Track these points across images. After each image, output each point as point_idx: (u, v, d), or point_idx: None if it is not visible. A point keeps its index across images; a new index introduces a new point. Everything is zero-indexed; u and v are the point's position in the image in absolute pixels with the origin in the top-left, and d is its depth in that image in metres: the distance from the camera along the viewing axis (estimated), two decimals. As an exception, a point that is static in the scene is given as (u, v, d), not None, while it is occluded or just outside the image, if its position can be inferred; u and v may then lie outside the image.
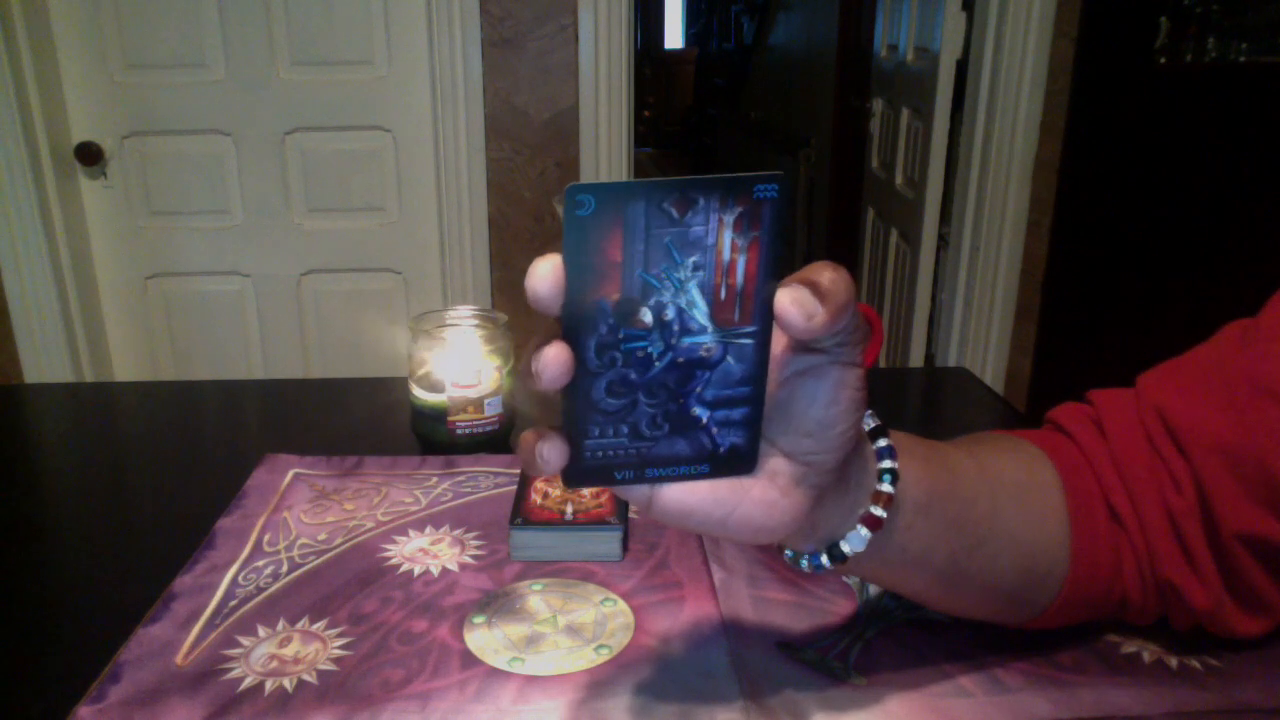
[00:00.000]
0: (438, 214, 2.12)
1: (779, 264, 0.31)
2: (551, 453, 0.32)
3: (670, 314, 0.31)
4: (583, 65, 2.02)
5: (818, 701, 0.46)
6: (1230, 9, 1.55)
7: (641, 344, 0.32)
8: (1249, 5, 1.53)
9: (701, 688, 0.47)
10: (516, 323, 0.79)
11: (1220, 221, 1.56)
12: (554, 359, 0.30)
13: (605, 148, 2.07)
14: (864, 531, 0.38)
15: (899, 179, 2.53)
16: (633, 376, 0.32)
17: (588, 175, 2.09)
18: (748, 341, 0.32)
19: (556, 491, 0.64)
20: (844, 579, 0.57)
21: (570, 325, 0.30)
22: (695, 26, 8.72)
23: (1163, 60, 1.69)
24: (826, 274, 0.31)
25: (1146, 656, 0.50)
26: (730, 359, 0.33)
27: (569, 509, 0.62)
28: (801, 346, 0.34)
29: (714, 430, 0.34)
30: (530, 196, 2.11)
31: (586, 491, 0.64)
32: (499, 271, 2.16)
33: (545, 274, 0.29)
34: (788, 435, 0.35)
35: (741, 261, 0.31)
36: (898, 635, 0.52)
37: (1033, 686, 0.47)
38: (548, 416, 0.33)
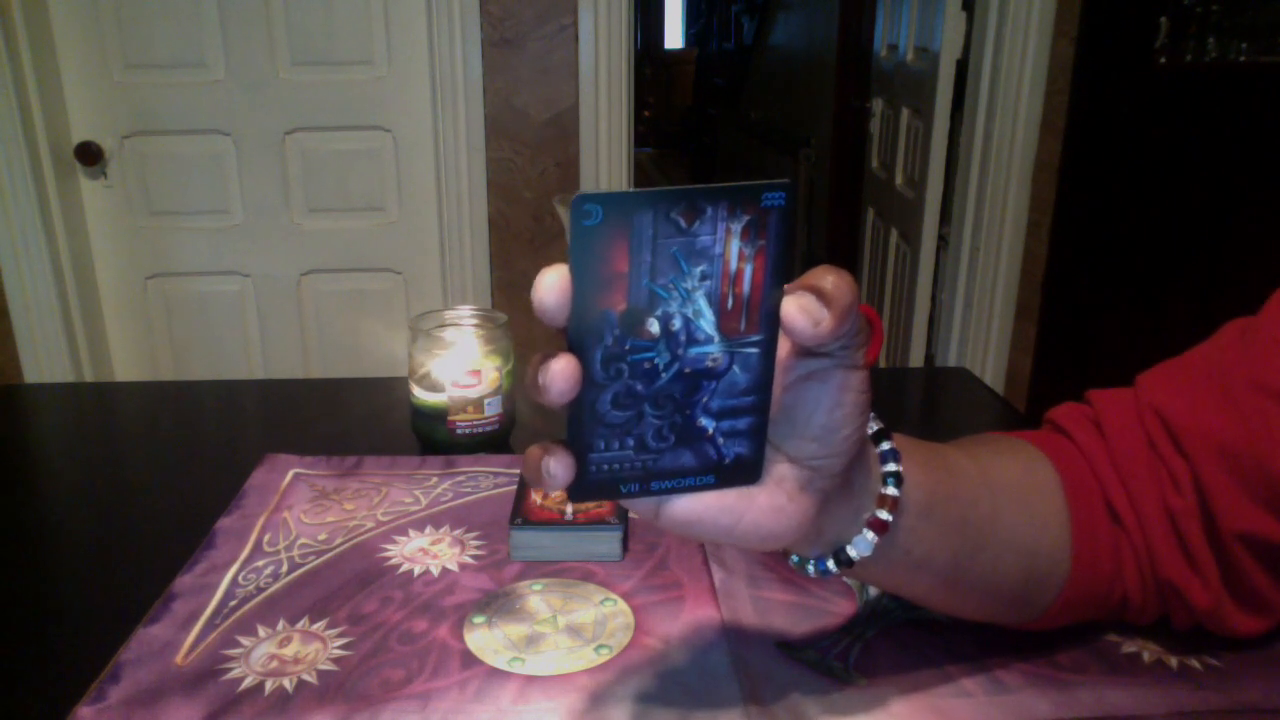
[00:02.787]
0: (438, 214, 2.12)
1: (785, 272, 0.31)
2: (559, 468, 0.32)
3: (677, 324, 0.31)
4: (583, 65, 2.02)
5: (818, 702, 0.46)
6: (1230, 9, 1.55)
7: (648, 355, 0.31)
8: (1249, 5, 1.53)
9: (701, 688, 0.47)
10: (516, 323, 0.79)
11: (1220, 221, 1.56)
12: (561, 372, 0.30)
13: (605, 148, 2.08)
14: (870, 535, 0.38)
15: (899, 179, 2.53)
16: (639, 388, 0.32)
17: (588, 175, 2.09)
18: (753, 351, 0.32)
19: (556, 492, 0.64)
20: (844, 580, 0.57)
21: (576, 337, 0.30)
22: (695, 26, 8.73)
23: (1163, 60, 1.69)
24: (829, 278, 0.31)
25: (1146, 656, 0.50)
26: (736, 369, 0.32)
27: (569, 509, 0.62)
28: (805, 351, 0.34)
29: (720, 441, 0.34)
30: (530, 196, 2.11)
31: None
32: (499, 271, 2.16)
33: (552, 285, 0.29)
34: (793, 440, 0.35)
35: (748, 270, 0.31)
36: (898, 635, 0.52)
37: (1033, 686, 0.47)
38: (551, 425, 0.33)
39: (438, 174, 2.08)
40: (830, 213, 3.68)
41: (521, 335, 0.78)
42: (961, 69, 2.14)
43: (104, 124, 2.04)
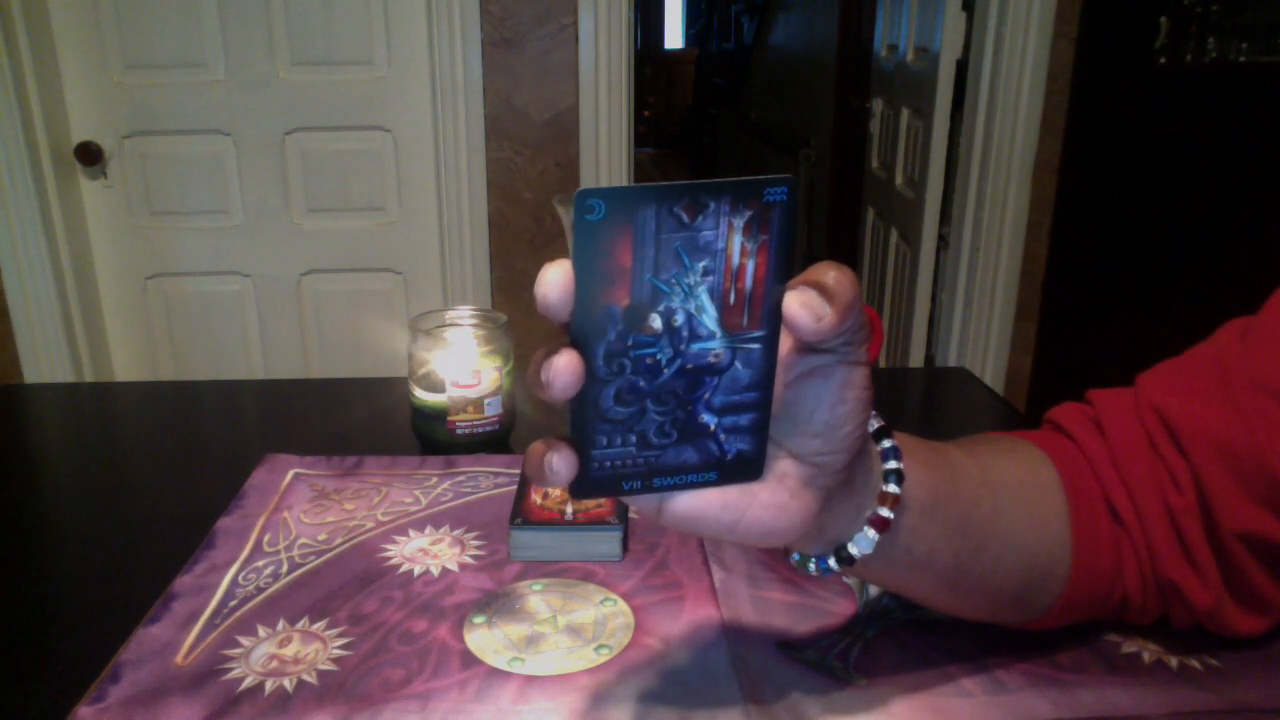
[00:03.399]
0: (438, 214, 2.12)
1: (787, 268, 0.31)
2: (561, 464, 0.32)
3: (680, 320, 0.31)
4: (583, 65, 2.02)
5: (818, 702, 0.46)
6: (1230, 9, 1.55)
7: (651, 351, 0.31)
8: (1249, 5, 1.53)
9: (701, 688, 0.47)
10: (516, 323, 0.79)
11: (1220, 221, 1.56)
12: (565, 368, 0.30)
13: (605, 148, 2.08)
14: (871, 533, 0.38)
15: (899, 179, 2.53)
16: (641, 384, 0.32)
17: (588, 175, 2.09)
18: (756, 346, 0.32)
19: (557, 491, 0.64)
20: (844, 579, 0.57)
21: (579, 332, 0.30)
22: (695, 26, 8.73)
23: (1163, 60, 1.69)
24: (831, 274, 0.31)
25: (1146, 656, 0.50)
26: (738, 364, 0.32)
27: (569, 509, 0.62)
28: (807, 348, 0.34)
29: (722, 437, 0.34)
30: (530, 196, 2.11)
31: (586, 491, 0.63)
32: (499, 271, 2.16)
33: (555, 280, 0.29)
34: (796, 437, 0.35)
35: (751, 266, 0.31)
36: (898, 635, 0.52)
37: (1033, 686, 0.47)
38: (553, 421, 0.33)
39: (438, 174, 2.08)
40: (830, 213, 3.68)
41: (521, 335, 0.78)
42: (961, 69, 2.14)
43: (104, 124, 2.04)
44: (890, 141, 2.61)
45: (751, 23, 6.06)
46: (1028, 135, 2.01)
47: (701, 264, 0.30)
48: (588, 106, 2.05)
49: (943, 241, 2.30)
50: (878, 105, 2.79)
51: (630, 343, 0.31)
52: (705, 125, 6.73)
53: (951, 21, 2.11)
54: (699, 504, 0.35)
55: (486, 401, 0.76)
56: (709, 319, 0.31)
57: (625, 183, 2.08)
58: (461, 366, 0.75)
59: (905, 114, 2.46)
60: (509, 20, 1.99)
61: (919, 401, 1.01)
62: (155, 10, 1.97)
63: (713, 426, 0.33)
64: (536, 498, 0.63)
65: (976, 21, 2.05)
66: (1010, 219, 2.07)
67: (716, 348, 0.32)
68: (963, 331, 2.19)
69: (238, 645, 0.51)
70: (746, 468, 0.34)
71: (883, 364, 2.50)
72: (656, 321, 0.31)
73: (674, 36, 9.15)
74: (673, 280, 0.30)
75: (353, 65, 2.03)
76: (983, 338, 2.17)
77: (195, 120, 2.05)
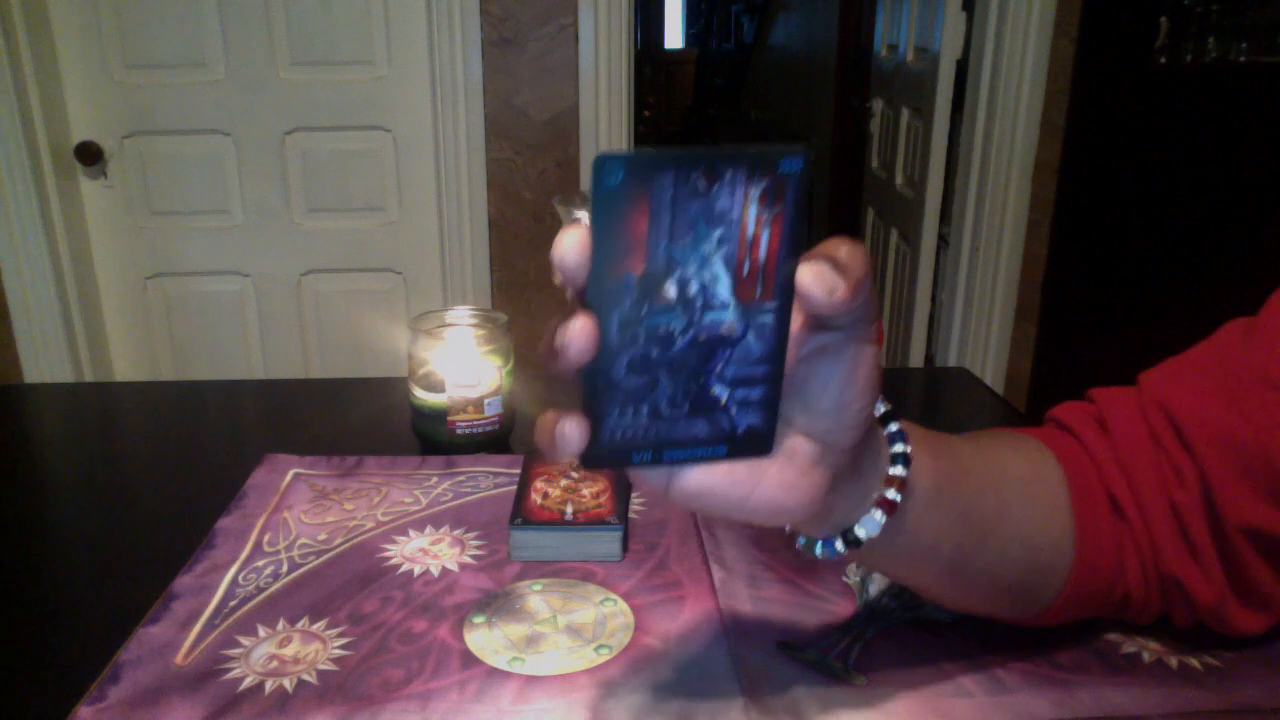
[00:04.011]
0: (438, 214, 2.12)
1: (801, 240, 0.31)
2: (573, 431, 0.31)
3: (694, 289, 0.31)
4: (583, 65, 2.02)
5: (818, 701, 0.46)
6: (1230, 9, 1.55)
7: (664, 320, 0.31)
8: (1249, 5, 1.53)
9: (701, 688, 0.47)
10: (516, 323, 0.79)
11: (1220, 221, 1.56)
12: (580, 331, 0.29)
13: (605, 148, 2.07)
14: (878, 515, 0.38)
15: (899, 179, 2.53)
16: (654, 353, 0.31)
17: (587, 175, 2.09)
18: (768, 318, 0.32)
19: (556, 491, 0.64)
20: (843, 579, 0.57)
21: (594, 300, 0.30)
22: (695, 26, 8.73)
23: (1163, 60, 1.69)
24: (844, 249, 0.32)
25: (1146, 656, 0.50)
26: (751, 336, 0.32)
27: (569, 509, 0.62)
28: (818, 324, 0.34)
29: (733, 410, 0.33)
30: (530, 196, 2.11)
31: (586, 491, 0.64)
32: (499, 271, 2.16)
33: (572, 244, 0.29)
34: (806, 414, 0.35)
35: (765, 236, 0.30)
36: (898, 635, 0.52)
37: (1033, 686, 0.47)
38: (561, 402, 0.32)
39: (438, 174, 2.08)
40: (830, 213, 3.68)
41: (521, 335, 0.78)
42: (961, 69, 2.14)
43: (104, 124, 2.04)
44: (890, 141, 2.62)
45: (751, 23, 6.07)
46: (1028, 135, 2.01)
47: (717, 233, 0.30)
48: (588, 106, 2.05)
49: (943, 241, 2.30)
50: (878, 105, 2.79)
51: (644, 311, 0.31)
52: (705, 125, 6.73)
53: (951, 21, 2.11)
54: (708, 479, 0.35)
55: (486, 401, 0.76)
56: (723, 289, 0.31)
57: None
58: (461, 366, 0.75)
59: (905, 114, 2.47)
60: (509, 20, 1.99)
61: (919, 401, 1.01)
62: (155, 10, 1.97)
63: (724, 399, 0.33)
64: (536, 498, 0.63)
65: (976, 21, 2.05)
66: (1010, 219, 2.07)
67: (730, 318, 0.32)
68: (963, 331, 2.19)
69: (238, 645, 0.51)
70: (756, 443, 0.34)
71: (883, 364, 2.50)
72: (671, 290, 0.30)
73: (674, 36, 9.14)
74: (688, 249, 0.30)
75: (353, 65, 2.03)
76: (983, 338, 2.17)
77: (195, 120, 2.05)
